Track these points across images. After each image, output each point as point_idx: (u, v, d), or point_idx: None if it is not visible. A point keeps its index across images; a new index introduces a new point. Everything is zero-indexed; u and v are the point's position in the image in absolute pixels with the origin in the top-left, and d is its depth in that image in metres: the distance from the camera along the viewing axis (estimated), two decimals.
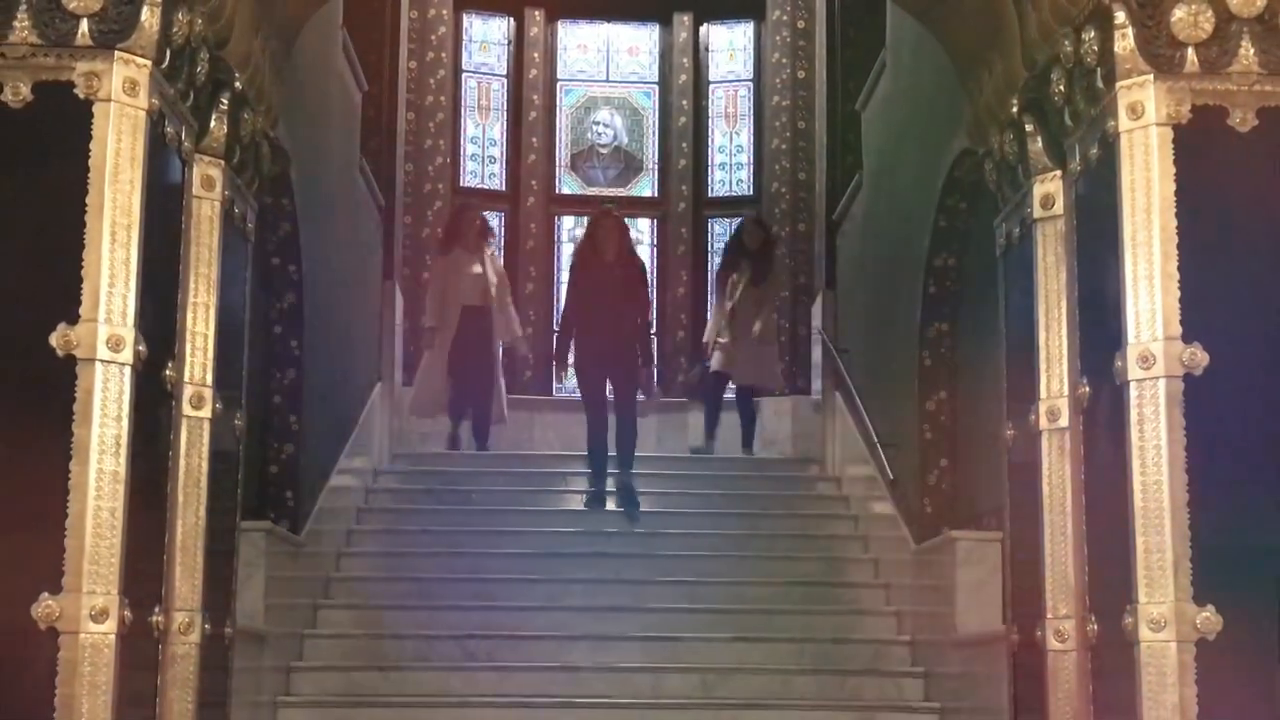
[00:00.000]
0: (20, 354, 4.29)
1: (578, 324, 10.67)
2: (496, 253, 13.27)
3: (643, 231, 14.61)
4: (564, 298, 11.82)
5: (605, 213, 11.19)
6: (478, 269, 12.20)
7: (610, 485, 10.51)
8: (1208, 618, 4.35)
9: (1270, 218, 4.60)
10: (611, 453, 10.52)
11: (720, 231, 14.46)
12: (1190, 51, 4.58)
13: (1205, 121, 4.59)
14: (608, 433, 10.52)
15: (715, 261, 14.61)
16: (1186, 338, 4.45)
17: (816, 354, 12.47)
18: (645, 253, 14.63)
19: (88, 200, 4.37)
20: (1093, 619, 4.83)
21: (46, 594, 4.18)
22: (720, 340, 12.47)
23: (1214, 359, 4.44)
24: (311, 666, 7.77)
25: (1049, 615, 5.23)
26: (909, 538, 8.95)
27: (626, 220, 12.93)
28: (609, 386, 10.62)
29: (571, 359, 10.68)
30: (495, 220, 14.43)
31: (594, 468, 10.65)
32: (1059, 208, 5.25)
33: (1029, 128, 5.31)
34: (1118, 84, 4.65)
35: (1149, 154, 4.58)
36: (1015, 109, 5.37)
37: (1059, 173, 5.25)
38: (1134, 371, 4.49)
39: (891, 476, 9.35)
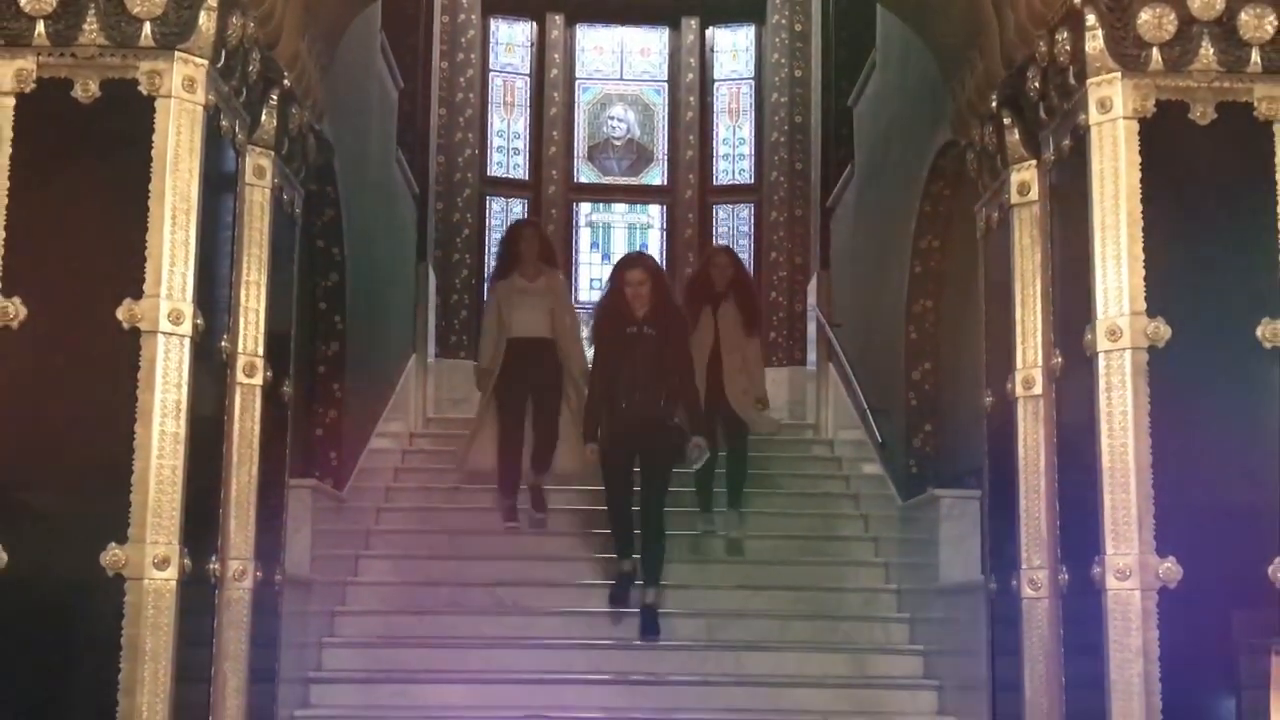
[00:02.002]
0: (90, 327, 4.30)
1: (605, 396, 7.98)
2: (564, 280, 10.37)
3: (653, 216, 14.57)
4: (590, 359, 8.71)
5: (634, 259, 8.59)
6: (539, 298, 9.15)
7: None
8: (1169, 568, 4.35)
9: (1227, 203, 4.60)
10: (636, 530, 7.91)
11: (724, 217, 14.43)
12: (1155, 51, 4.57)
13: (1168, 115, 4.59)
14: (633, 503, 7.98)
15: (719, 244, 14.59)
16: (1151, 313, 4.45)
17: (811, 329, 12.45)
18: (655, 238, 14.63)
19: (150, 187, 4.39)
20: (1064, 569, 4.83)
21: (114, 544, 4.20)
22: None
23: (1176, 333, 4.44)
24: (354, 611, 7.79)
25: (1024, 566, 5.23)
26: (896, 496, 8.94)
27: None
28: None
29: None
30: (518, 207, 14.43)
31: (619, 539, 7.98)
32: (1034, 194, 5.23)
33: (1007, 121, 5.29)
34: (1088, 81, 4.64)
35: (1117, 145, 4.58)
36: (994, 103, 5.35)
37: (1034, 162, 5.24)
38: (1102, 344, 4.49)
39: (880, 440, 9.34)
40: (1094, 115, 4.62)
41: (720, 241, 14.40)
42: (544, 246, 9.50)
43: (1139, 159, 4.54)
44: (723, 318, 9.17)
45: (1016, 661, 5.29)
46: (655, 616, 7.69)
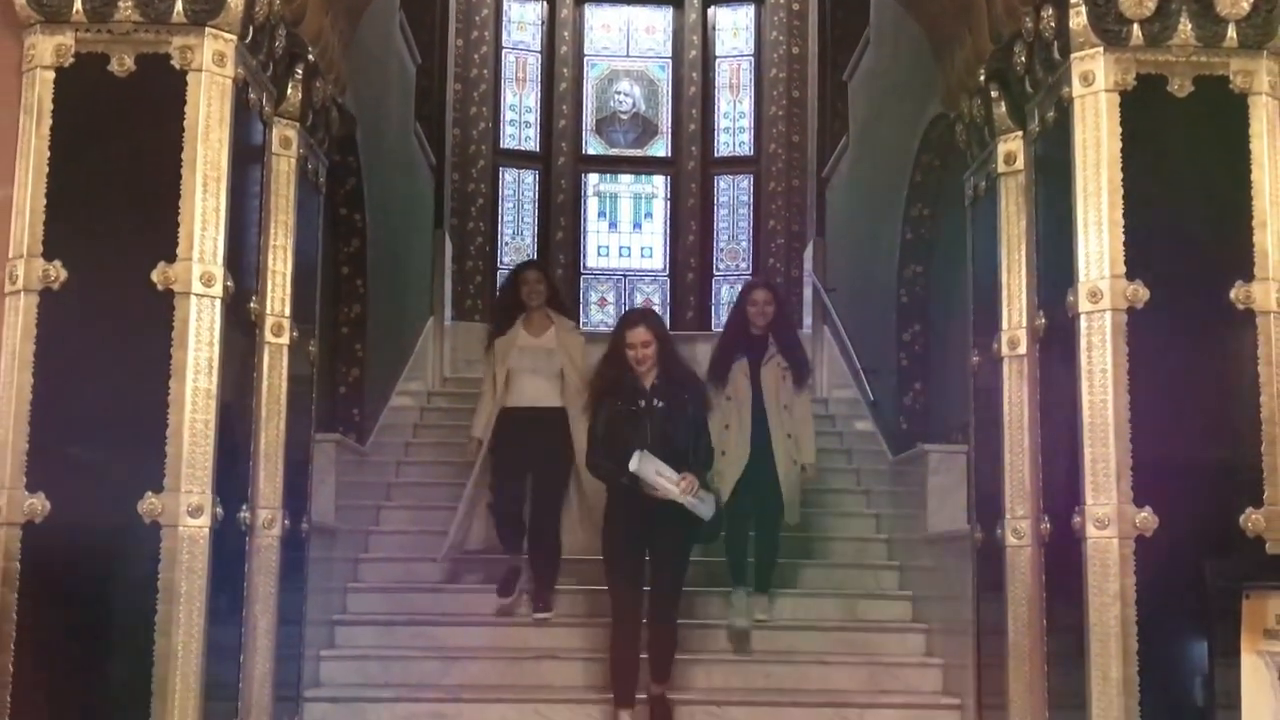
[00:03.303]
0: (127, 288, 4.31)
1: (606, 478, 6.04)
2: (577, 329, 7.63)
3: (657, 187, 14.54)
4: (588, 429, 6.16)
5: (636, 316, 6.26)
6: (547, 358, 7.08)
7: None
8: (1146, 517, 4.37)
9: (1203, 171, 4.59)
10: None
11: (725, 187, 14.39)
12: (1136, 27, 4.56)
13: (1148, 88, 4.58)
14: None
15: (720, 214, 14.57)
16: (1130, 276, 4.45)
17: (807, 293, 12.42)
18: (659, 207, 14.60)
19: (182, 156, 4.40)
20: (1046, 519, 4.85)
21: (150, 493, 4.22)
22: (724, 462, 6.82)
23: (1153, 295, 4.44)
24: (375, 558, 7.80)
25: (1008, 516, 5.24)
26: (887, 451, 8.94)
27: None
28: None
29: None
30: (530, 177, 14.40)
31: (620, 678, 6.01)
32: (1020, 163, 5.23)
33: (994, 94, 5.28)
34: (1072, 55, 4.63)
35: (1099, 116, 4.57)
36: (982, 78, 5.33)
37: (1020, 133, 5.23)
38: (1084, 305, 4.49)
39: (872, 398, 9.34)
40: (1077, 88, 4.61)
41: (722, 211, 14.45)
42: (552, 291, 7.39)
43: (1120, 130, 4.54)
44: (766, 369, 7.07)
45: (1000, 606, 5.32)
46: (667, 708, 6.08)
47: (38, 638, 4.14)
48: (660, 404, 5.94)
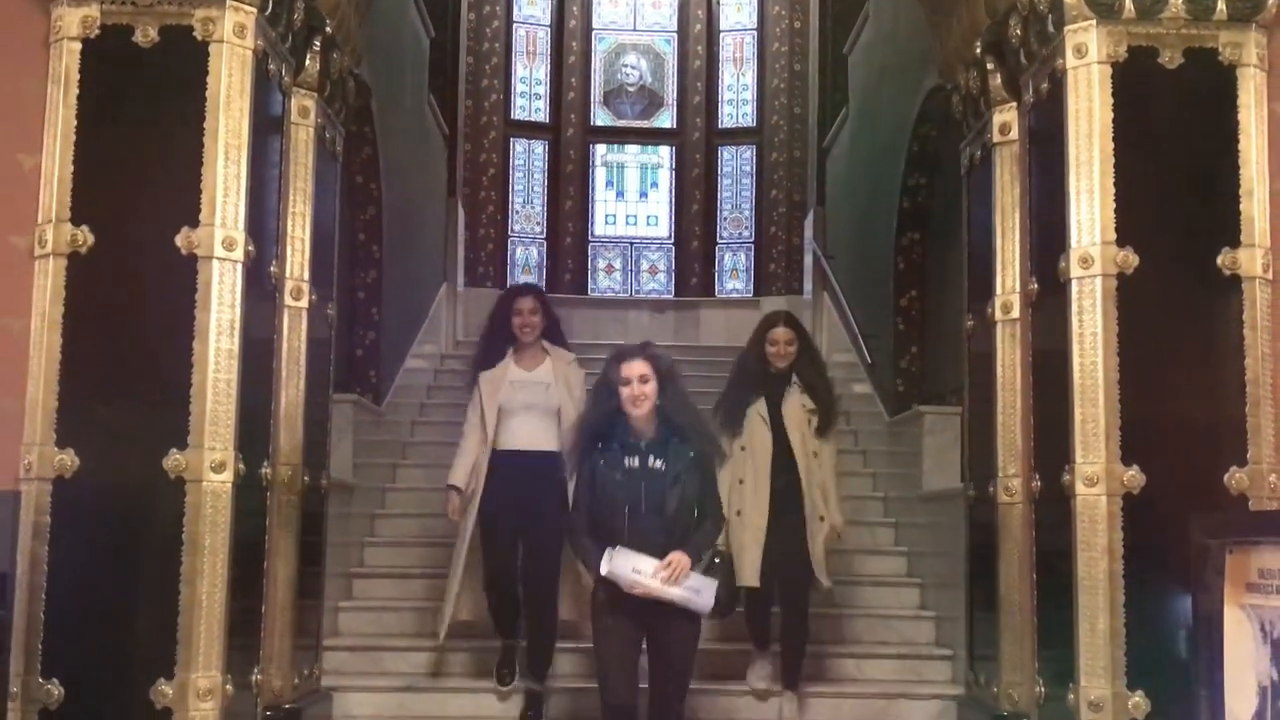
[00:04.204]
0: (152, 252, 4.31)
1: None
2: (576, 362, 6.15)
3: (663, 157, 14.50)
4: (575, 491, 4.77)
5: (634, 349, 4.75)
6: (543, 393, 5.90)
7: None
8: (1133, 475, 4.38)
9: (1192, 141, 4.58)
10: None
11: (728, 157, 14.36)
12: (1128, 0, 4.53)
13: (1139, 60, 4.56)
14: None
15: (724, 183, 14.53)
16: (1120, 242, 4.44)
17: (808, 261, 12.42)
18: (665, 177, 14.56)
19: (204, 125, 4.38)
20: (1037, 477, 4.85)
21: (175, 450, 4.23)
22: (741, 525, 5.80)
23: (1143, 261, 4.44)
24: (391, 514, 7.84)
25: (1000, 474, 5.25)
26: (884, 412, 8.97)
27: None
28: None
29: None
30: (540, 147, 14.37)
31: None
32: (1015, 134, 5.21)
33: (990, 66, 5.25)
34: (1065, 28, 4.61)
35: (1091, 88, 4.55)
36: (979, 50, 5.30)
37: (1015, 104, 5.21)
38: (1075, 271, 4.48)
39: (870, 361, 9.35)
40: (1070, 60, 4.59)
41: (726, 181, 14.41)
42: (549, 320, 6.11)
43: (1111, 100, 4.52)
44: (788, 409, 5.95)
45: (992, 561, 5.33)
46: None
47: (68, 588, 4.16)
48: (658, 464, 4.54)
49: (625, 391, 4.60)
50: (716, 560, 5.07)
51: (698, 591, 4.49)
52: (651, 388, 4.61)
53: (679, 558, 4.43)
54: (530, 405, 5.87)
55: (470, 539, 5.82)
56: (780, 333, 6.07)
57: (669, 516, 4.52)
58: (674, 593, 4.44)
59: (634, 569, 4.42)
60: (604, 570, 4.44)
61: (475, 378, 6.03)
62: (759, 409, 5.93)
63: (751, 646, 6.10)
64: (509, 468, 5.79)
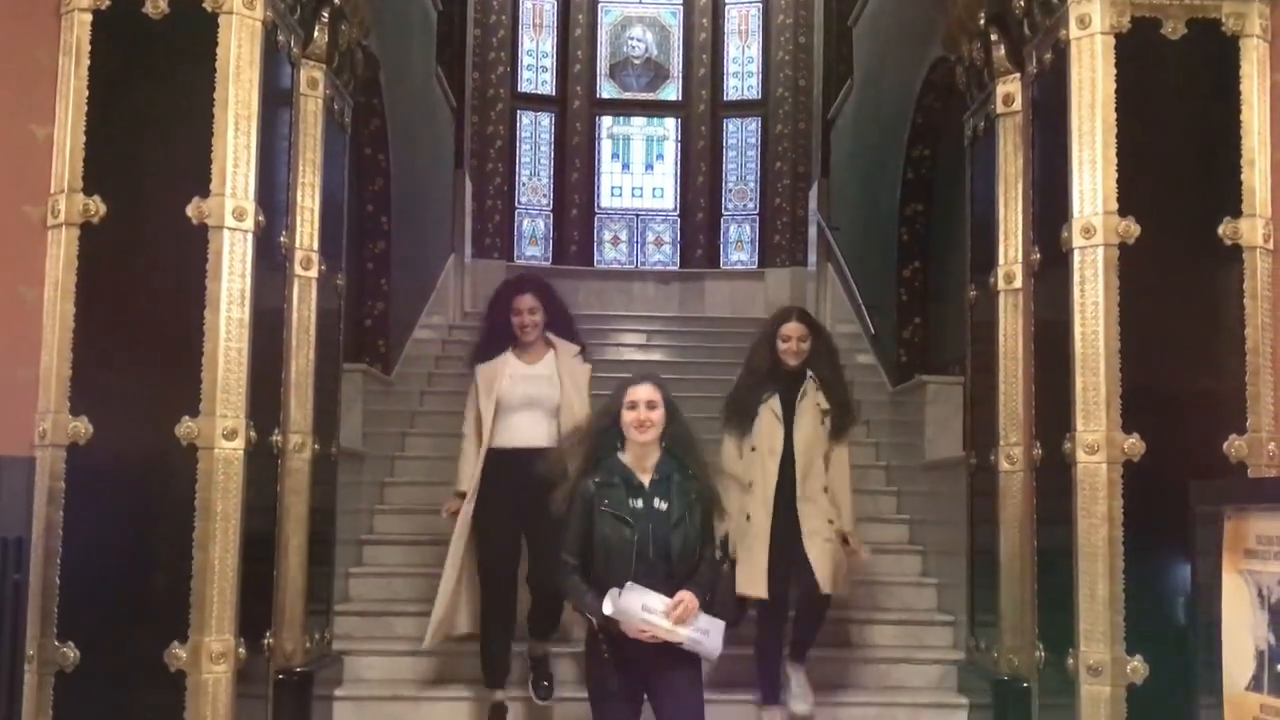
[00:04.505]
0: (163, 222, 4.31)
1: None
2: (583, 356, 5.72)
3: (668, 129, 14.46)
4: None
5: (643, 376, 4.44)
6: (546, 387, 5.50)
7: None
8: (1134, 443, 4.38)
9: (1194, 111, 4.56)
10: None
11: (734, 129, 14.32)
12: None
13: (1142, 30, 4.54)
14: None
15: (729, 155, 14.49)
16: (1122, 212, 4.43)
17: (812, 232, 12.38)
18: (670, 149, 14.53)
19: (214, 96, 4.37)
20: (1038, 445, 4.86)
21: (187, 417, 4.25)
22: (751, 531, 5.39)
23: (1144, 230, 4.43)
24: (401, 482, 7.85)
25: (1001, 443, 5.26)
26: (887, 382, 8.96)
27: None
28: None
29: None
30: (546, 120, 14.33)
31: None
32: (1018, 105, 5.19)
33: (994, 37, 5.23)
34: None
35: (1094, 58, 4.53)
36: (982, 21, 5.28)
37: (1018, 75, 5.18)
38: (1077, 240, 4.48)
39: (873, 332, 9.34)
40: (1074, 31, 4.57)
41: (731, 153, 14.36)
42: (555, 312, 5.70)
43: (1114, 71, 4.51)
44: (802, 408, 5.51)
45: (993, 529, 5.35)
46: None
47: (82, 553, 4.19)
48: (662, 505, 4.18)
49: (630, 416, 4.22)
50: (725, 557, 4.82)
51: (706, 633, 4.09)
52: (659, 415, 4.25)
53: (689, 597, 4.04)
54: (530, 401, 5.44)
55: (467, 542, 5.39)
56: (793, 328, 5.57)
57: (674, 560, 4.13)
58: (683, 634, 4.04)
59: (644, 606, 4.01)
60: (609, 610, 4.02)
61: (472, 371, 5.62)
62: (772, 405, 5.49)
63: (757, 696, 5.49)
64: (508, 467, 5.32)
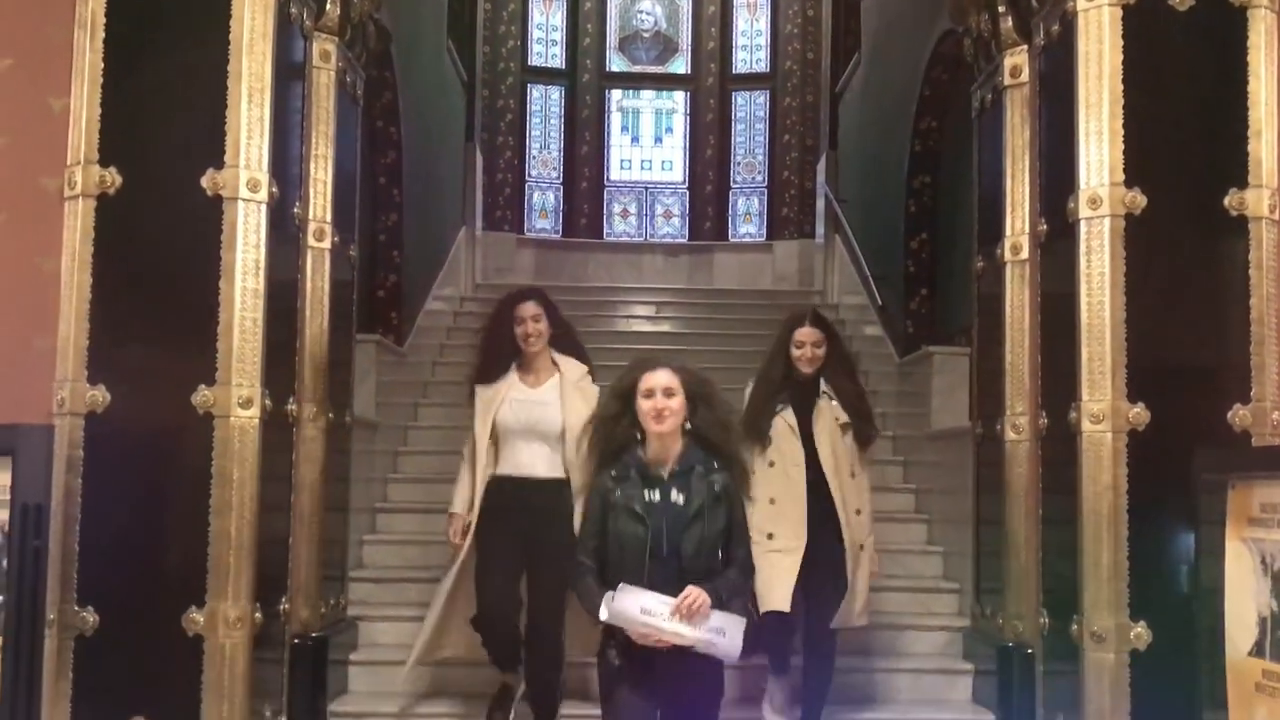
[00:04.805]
0: (178, 193, 4.31)
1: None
2: (590, 376, 5.20)
3: (677, 102, 14.41)
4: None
5: (657, 360, 3.96)
6: (550, 412, 5.02)
7: None
8: (1139, 413, 4.37)
9: (1202, 83, 4.52)
10: None
11: (742, 102, 14.26)
12: None
13: (1150, 2, 4.50)
14: None
15: (738, 128, 14.44)
16: (1129, 184, 4.41)
17: (820, 205, 12.36)
18: (679, 122, 14.49)
19: (228, 69, 4.36)
20: (1043, 415, 4.86)
21: (203, 386, 4.25)
22: (773, 549, 4.94)
23: (1151, 201, 4.41)
24: (414, 451, 7.87)
25: (1008, 413, 5.26)
26: (894, 353, 8.97)
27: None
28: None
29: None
30: (556, 93, 14.28)
31: None
32: (1025, 76, 5.16)
33: (1001, 9, 5.20)
34: None
35: (1102, 30, 4.50)
36: None
37: (1026, 47, 5.15)
38: (1084, 211, 4.46)
39: (880, 303, 9.34)
40: (1081, 2, 4.54)
41: (739, 126, 14.31)
42: (560, 328, 5.21)
43: (1122, 43, 4.47)
44: (819, 419, 5.13)
45: (998, 498, 5.35)
46: None
47: (101, 520, 4.21)
48: (679, 498, 3.75)
49: (648, 403, 3.78)
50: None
51: (721, 633, 3.62)
52: (678, 403, 3.79)
53: (696, 593, 3.59)
54: (531, 427, 4.99)
55: (461, 567, 5.00)
56: (807, 333, 5.18)
57: (686, 559, 3.68)
58: (693, 636, 3.59)
59: (641, 609, 3.59)
60: (604, 615, 3.63)
61: (473, 393, 5.15)
62: (786, 417, 5.11)
63: (768, 669, 5.23)
64: (508, 496, 4.95)
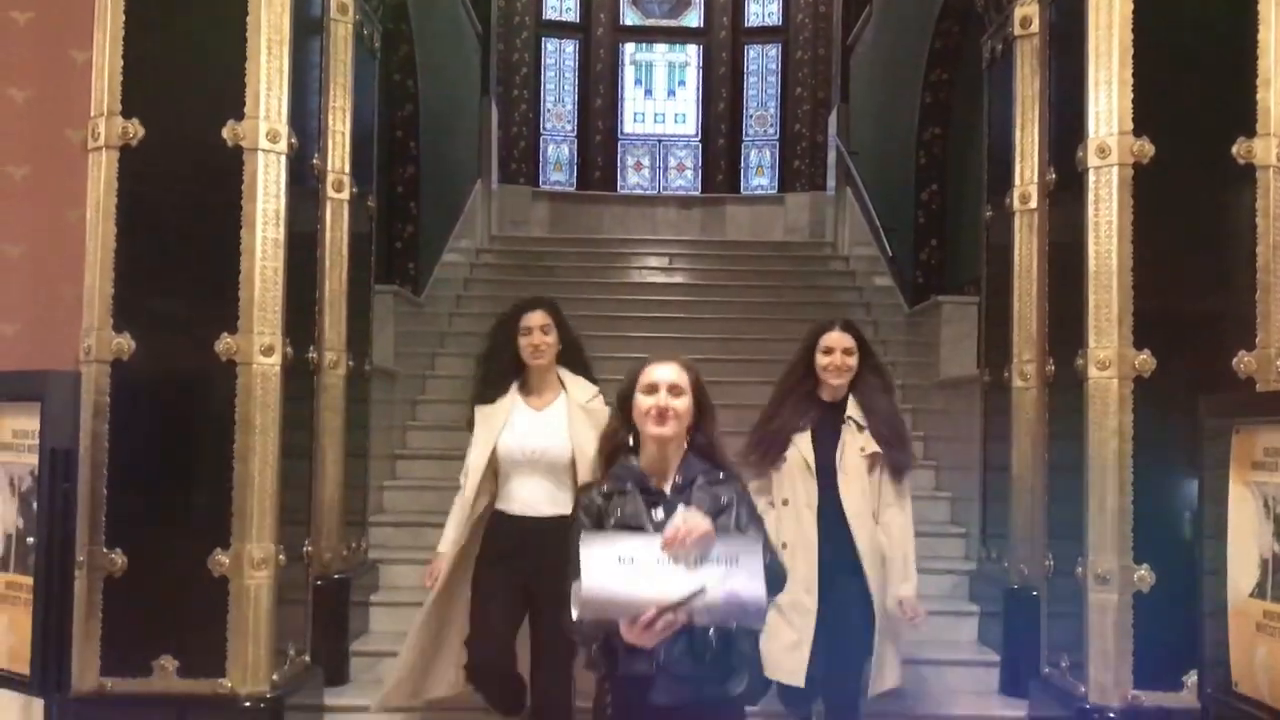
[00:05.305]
0: (199, 144, 4.30)
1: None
2: (599, 397, 4.39)
3: (690, 55, 14.30)
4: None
5: (664, 357, 3.20)
6: (557, 436, 4.34)
7: None
8: (1145, 359, 4.36)
9: (1210, 32, 4.47)
10: None
11: (754, 56, 14.14)
12: None
13: None
14: None
15: (750, 81, 14.33)
16: (1137, 132, 4.37)
17: (831, 157, 12.30)
18: (692, 75, 14.39)
19: (247, 20, 4.34)
20: (1051, 362, 4.84)
21: (226, 334, 4.26)
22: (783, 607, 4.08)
23: (1159, 150, 4.37)
24: (431, 400, 7.91)
25: (1015, 360, 5.25)
26: (903, 304, 8.95)
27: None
28: None
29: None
30: (570, 47, 14.18)
31: None
32: (1035, 27, 5.13)
33: None
34: None
35: None
36: None
37: None
38: (1093, 160, 4.42)
39: (890, 254, 9.31)
40: None
41: (752, 79, 14.21)
42: (567, 341, 4.50)
43: None
44: (843, 471, 4.26)
45: (1005, 444, 5.36)
46: None
47: (128, 464, 4.24)
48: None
49: (648, 402, 3.11)
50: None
51: (735, 561, 2.72)
52: (685, 405, 3.14)
53: (687, 514, 2.82)
54: (536, 458, 4.28)
55: (446, 599, 4.37)
56: (837, 338, 4.33)
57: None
58: (697, 580, 2.71)
59: (620, 558, 2.71)
60: (576, 612, 2.77)
61: (473, 415, 4.45)
62: (801, 448, 4.25)
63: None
64: (508, 536, 4.28)
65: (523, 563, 4.20)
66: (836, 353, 4.34)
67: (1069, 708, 4.45)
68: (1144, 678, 4.28)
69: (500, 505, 4.34)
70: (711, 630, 2.86)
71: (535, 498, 4.28)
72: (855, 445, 4.27)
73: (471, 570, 4.33)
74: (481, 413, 4.40)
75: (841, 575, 4.17)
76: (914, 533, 4.32)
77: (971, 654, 5.60)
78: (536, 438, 4.32)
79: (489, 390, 4.42)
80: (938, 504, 6.89)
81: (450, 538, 4.37)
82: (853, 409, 4.31)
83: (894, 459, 4.28)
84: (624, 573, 2.70)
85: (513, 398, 4.39)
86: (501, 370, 4.42)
